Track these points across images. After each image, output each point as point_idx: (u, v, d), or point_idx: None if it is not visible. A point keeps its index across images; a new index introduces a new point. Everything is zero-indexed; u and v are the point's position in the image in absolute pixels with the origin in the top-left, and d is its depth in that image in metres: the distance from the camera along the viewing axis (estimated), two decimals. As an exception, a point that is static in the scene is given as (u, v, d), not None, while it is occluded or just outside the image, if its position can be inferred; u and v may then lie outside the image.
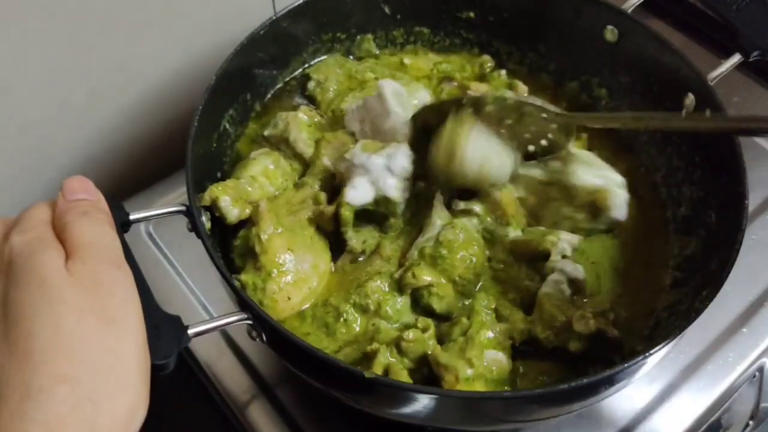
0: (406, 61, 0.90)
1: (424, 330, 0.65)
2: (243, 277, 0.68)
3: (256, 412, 0.72)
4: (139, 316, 0.44)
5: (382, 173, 0.69)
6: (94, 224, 0.47)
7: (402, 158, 0.70)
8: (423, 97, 0.82)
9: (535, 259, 0.70)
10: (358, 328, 0.67)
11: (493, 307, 0.67)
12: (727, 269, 0.58)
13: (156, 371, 0.45)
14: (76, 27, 0.75)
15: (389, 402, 0.60)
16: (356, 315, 0.67)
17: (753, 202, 0.63)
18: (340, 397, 0.63)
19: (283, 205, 0.72)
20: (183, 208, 0.60)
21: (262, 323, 0.56)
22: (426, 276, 0.67)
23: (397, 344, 0.64)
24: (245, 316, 0.55)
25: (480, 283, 0.70)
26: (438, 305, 0.67)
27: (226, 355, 0.76)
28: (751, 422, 0.75)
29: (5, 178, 0.80)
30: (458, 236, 0.69)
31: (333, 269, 0.71)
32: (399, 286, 0.68)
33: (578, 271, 0.67)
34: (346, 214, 0.69)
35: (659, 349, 0.55)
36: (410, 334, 0.64)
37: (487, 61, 0.88)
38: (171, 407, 0.73)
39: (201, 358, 0.76)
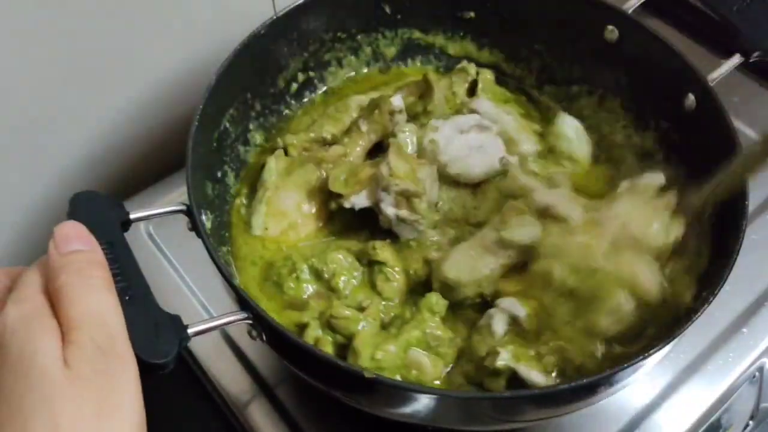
0: None
1: (364, 308, 0.66)
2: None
3: (256, 412, 0.72)
4: (138, 400, 0.43)
5: None
6: (89, 290, 0.44)
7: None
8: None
9: None
10: (307, 292, 0.68)
11: (442, 314, 0.66)
12: (727, 269, 0.58)
13: (156, 370, 0.45)
14: (75, 27, 0.75)
15: (389, 401, 0.60)
16: (310, 277, 0.69)
17: (753, 202, 0.62)
18: (340, 397, 0.63)
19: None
20: (183, 207, 0.60)
21: (262, 323, 0.56)
22: (386, 255, 0.68)
23: (328, 322, 0.65)
24: (245, 315, 0.55)
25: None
26: (382, 285, 0.68)
27: (226, 355, 0.76)
28: (751, 422, 0.75)
29: (5, 178, 0.80)
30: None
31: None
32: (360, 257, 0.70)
33: (517, 308, 0.64)
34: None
35: (659, 349, 0.55)
36: (339, 312, 0.64)
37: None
38: (171, 407, 0.73)
39: (201, 358, 0.76)
